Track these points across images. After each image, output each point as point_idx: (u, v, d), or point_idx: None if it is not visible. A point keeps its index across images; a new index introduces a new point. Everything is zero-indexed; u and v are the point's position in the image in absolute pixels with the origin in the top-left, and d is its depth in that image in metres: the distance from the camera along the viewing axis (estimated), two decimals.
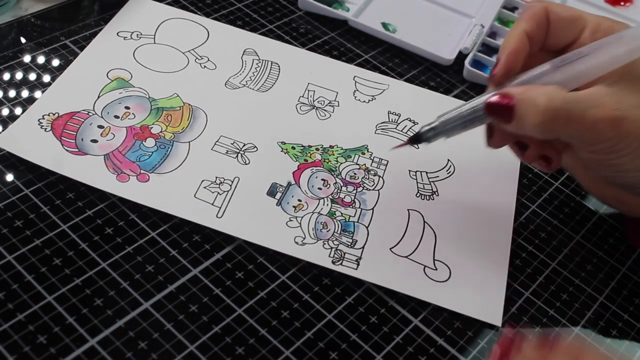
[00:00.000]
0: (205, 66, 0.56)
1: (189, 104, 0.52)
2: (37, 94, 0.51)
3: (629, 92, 0.40)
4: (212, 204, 0.46)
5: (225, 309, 0.42)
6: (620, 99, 0.40)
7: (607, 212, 0.53)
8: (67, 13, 0.59)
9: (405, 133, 0.54)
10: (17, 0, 0.58)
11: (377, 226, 0.47)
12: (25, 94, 0.51)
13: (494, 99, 0.41)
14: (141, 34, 0.57)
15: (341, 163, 0.51)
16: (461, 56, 0.62)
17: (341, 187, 0.49)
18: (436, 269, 0.46)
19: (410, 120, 0.55)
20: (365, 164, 0.51)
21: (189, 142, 0.50)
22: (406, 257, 0.46)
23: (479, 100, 0.43)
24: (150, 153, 0.48)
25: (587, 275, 0.48)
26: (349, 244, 0.46)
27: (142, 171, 0.47)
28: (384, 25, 0.64)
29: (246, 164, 0.49)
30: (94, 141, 0.48)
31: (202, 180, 0.47)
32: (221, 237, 0.45)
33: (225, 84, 0.55)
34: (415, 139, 0.45)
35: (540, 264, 0.48)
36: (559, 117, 0.40)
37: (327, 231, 0.46)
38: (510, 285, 0.46)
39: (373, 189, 0.50)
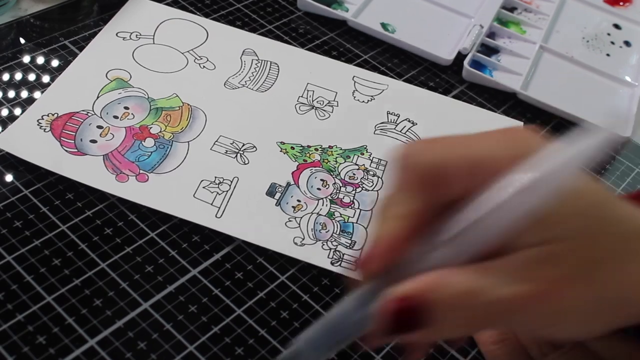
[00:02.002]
0: (204, 66, 0.56)
1: (188, 104, 0.52)
2: (37, 94, 0.51)
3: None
4: (212, 204, 0.46)
5: (225, 309, 0.42)
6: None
7: None
8: (67, 13, 0.59)
9: (404, 133, 0.54)
10: (16, 0, 0.58)
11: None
12: (24, 94, 0.51)
13: (392, 305, 0.28)
14: (140, 35, 0.57)
15: (340, 163, 0.51)
16: (460, 56, 0.62)
17: (340, 187, 0.49)
18: None
19: (409, 121, 0.55)
20: (364, 165, 0.51)
21: (188, 142, 0.50)
22: None
23: (341, 310, 0.29)
24: (150, 153, 0.48)
25: None
26: (348, 244, 0.46)
27: (141, 171, 0.47)
28: (383, 25, 0.65)
29: (245, 164, 0.49)
30: (93, 141, 0.48)
31: (202, 180, 0.47)
32: (220, 238, 0.45)
33: (225, 84, 0.55)
34: None
35: None
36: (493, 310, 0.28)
37: (326, 232, 0.46)
38: None
39: (372, 190, 0.50)
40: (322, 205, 0.48)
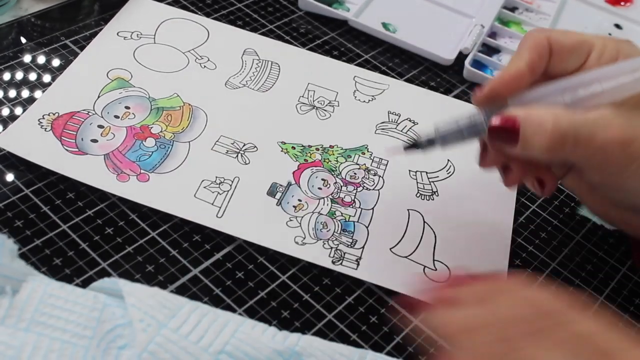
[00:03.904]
0: (205, 66, 0.56)
1: (189, 104, 0.52)
2: (37, 93, 0.51)
3: (637, 114, 0.39)
4: (212, 204, 0.46)
5: (226, 309, 0.41)
6: (629, 120, 0.39)
7: None
8: (67, 13, 0.59)
9: (405, 133, 0.54)
10: (17, 0, 0.58)
11: (377, 226, 0.47)
12: (25, 93, 0.51)
13: (497, 122, 0.40)
14: (141, 34, 0.57)
15: (341, 163, 0.51)
16: (461, 56, 0.62)
17: (341, 187, 0.49)
18: (436, 269, 0.46)
19: (410, 121, 0.55)
20: (365, 164, 0.51)
21: (189, 141, 0.50)
22: (406, 257, 0.46)
23: (477, 118, 0.41)
24: (150, 153, 0.48)
25: (587, 275, 0.48)
26: (349, 243, 0.46)
27: (142, 171, 0.47)
28: (384, 25, 0.64)
29: (246, 164, 0.49)
30: (94, 141, 0.48)
31: (202, 180, 0.47)
32: (221, 237, 0.45)
33: (226, 83, 0.55)
34: (411, 147, 0.44)
35: (540, 264, 0.48)
36: (567, 139, 0.39)
37: (327, 231, 0.46)
38: None
39: (373, 189, 0.50)
40: (323, 204, 0.48)
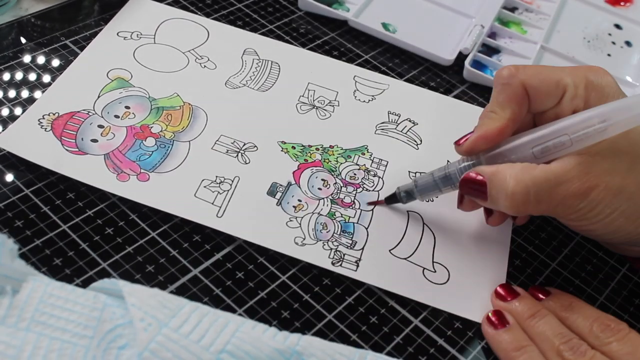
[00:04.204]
0: (205, 66, 0.56)
1: (189, 104, 0.52)
2: (37, 94, 0.51)
3: (600, 158, 0.40)
4: (212, 204, 0.46)
5: (226, 309, 0.42)
6: (590, 167, 0.40)
7: None
8: (67, 13, 0.59)
9: (405, 133, 0.54)
10: (17, 0, 0.58)
11: (377, 227, 0.47)
12: (25, 94, 0.51)
13: (468, 176, 0.43)
14: (141, 34, 0.57)
15: (341, 163, 0.51)
16: (461, 56, 0.62)
17: (341, 187, 0.49)
18: (435, 272, 0.46)
19: (410, 121, 0.55)
20: (365, 165, 0.51)
21: (189, 141, 0.50)
22: (405, 259, 0.46)
23: (450, 169, 0.45)
24: (151, 152, 0.48)
25: (587, 276, 0.48)
26: (349, 245, 0.46)
27: (142, 170, 0.47)
28: (384, 25, 0.64)
29: (246, 164, 0.49)
30: (94, 141, 0.48)
31: (202, 180, 0.47)
32: (221, 237, 0.45)
33: (226, 83, 0.55)
34: (391, 199, 0.48)
35: (540, 264, 0.48)
36: (528, 199, 0.41)
37: (327, 232, 0.46)
38: None
39: (373, 190, 0.50)
40: (323, 205, 0.48)
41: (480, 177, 0.42)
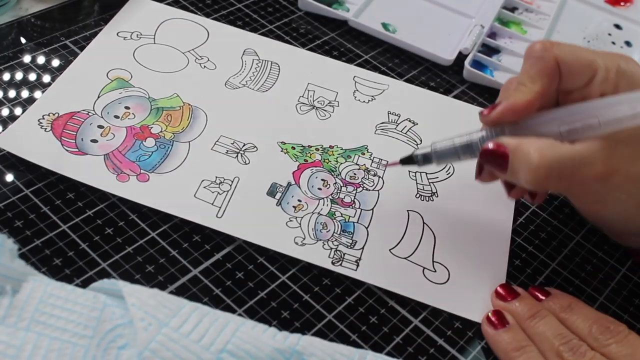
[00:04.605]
0: (205, 66, 0.56)
1: (189, 104, 0.52)
2: (37, 94, 0.51)
3: (624, 145, 0.40)
4: (212, 204, 0.46)
5: (226, 309, 0.42)
6: (613, 152, 0.40)
7: None
8: (67, 13, 0.59)
9: (405, 133, 0.54)
10: (17, 0, 0.58)
11: (377, 227, 0.47)
12: (25, 94, 0.51)
13: (490, 146, 0.42)
14: (141, 34, 0.57)
15: (341, 163, 0.51)
16: (461, 56, 0.62)
17: (341, 187, 0.49)
18: (435, 271, 0.46)
19: (410, 121, 0.55)
20: (365, 164, 0.51)
21: (188, 141, 0.50)
22: (405, 258, 0.46)
23: (473, 137, 0.43)
24: (150, 153, 0.48)
25: (587, 276, 0.48)
26: (349, 244, 0.46)
27: (142, 171, 0.47)
28: (384, 25, 0.64)
29: (246, 164, 0.49)
30: (94, 141, 0.48)
31: (202, 180, 0.47)
32: (221, 238, 0.45)
33: (225, 84, 0.55)
34: (407, 161, 0.46)
35: (540, 264, 0.48)
36: (551, 175, 0.40)
37: (327, 232, 0.46)
38: None
39: (373, 190, 0.50)
40: (323, 205, 0.48)
41: (502, 148, 0.41)
